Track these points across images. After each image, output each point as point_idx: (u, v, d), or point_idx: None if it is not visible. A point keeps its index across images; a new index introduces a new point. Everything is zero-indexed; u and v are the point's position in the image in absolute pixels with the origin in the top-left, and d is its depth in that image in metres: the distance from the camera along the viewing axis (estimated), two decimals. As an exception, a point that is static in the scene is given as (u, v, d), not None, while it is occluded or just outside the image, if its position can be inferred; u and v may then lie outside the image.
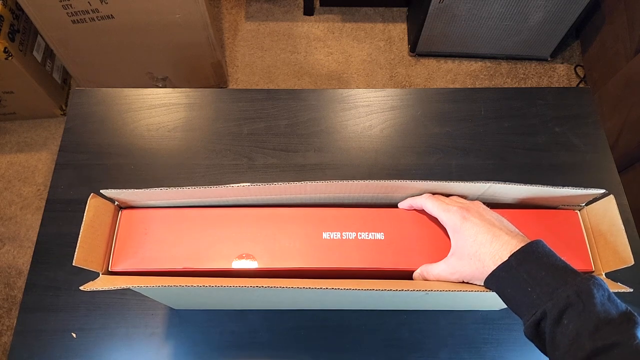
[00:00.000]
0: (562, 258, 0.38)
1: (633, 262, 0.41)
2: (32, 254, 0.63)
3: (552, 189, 0.44)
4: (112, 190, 0.42)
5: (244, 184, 0.43)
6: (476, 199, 0.47)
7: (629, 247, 0.42)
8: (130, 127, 0.74)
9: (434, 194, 0.46)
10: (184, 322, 0.60)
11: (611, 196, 0.44)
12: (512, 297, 0.38)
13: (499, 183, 0.43)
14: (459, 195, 0.47)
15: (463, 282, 0.42)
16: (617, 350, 0.32)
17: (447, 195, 0.47)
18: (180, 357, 0.58)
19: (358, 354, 0.59)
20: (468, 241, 0.41)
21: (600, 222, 0.45)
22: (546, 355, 0.36)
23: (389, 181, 0.43)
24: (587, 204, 0.47)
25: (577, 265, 0.45)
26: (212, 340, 0.59)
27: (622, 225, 0.42)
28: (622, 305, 0.35)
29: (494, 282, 0.39)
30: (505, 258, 0.38)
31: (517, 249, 0.38)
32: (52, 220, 0.66)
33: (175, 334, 0.59)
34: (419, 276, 0.44)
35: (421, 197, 0.46)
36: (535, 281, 0.36)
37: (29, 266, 0.63)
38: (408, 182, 0.44)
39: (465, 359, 0.59)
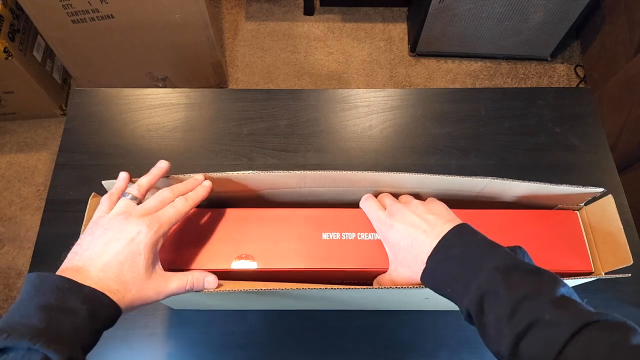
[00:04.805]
0: (485, 237, 0.37)
1: (632, 262, 0.41)
2: (31, 255, 0.63)
3: (551, 186, 0.44)
4: (112, 181, 0.42)
5: (246, 172, 0.42)
6: (475, 196, 0.46)
7: (628, 246, 0.42)
8: (130, 127, 0.74)
9: (431, 190, 0.46)
10: (184, 322, 0.60)
11: (610, 196, 0.44)
12: (446, 297, 0.38)
13: (497, 179, 0.43)
14: (457, 192, 0.46)
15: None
16: (534, 330, 0.31)
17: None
18: (180, 358, 0.58)
19: (358, 354, 0.59)
20: (394, 249, 0.41)
21: (600, 221, 0.45)
22: None
23: (387, 173, 0.43)
24: (586, 204, 0.47)
25: (577, 264, 0.45)
26: (212, 341, 0.59)
27: (621, 225, 0.42)
28: (532, 269, 0.34)
29: (427, 286, 0.39)
30: (425, 262, 0.38)
31: (432, 250, 0.38)
32: (51, 221, 0.66)
33: (175, 334, 0.59)
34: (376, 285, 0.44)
35: (363, 197, 0.46)
36: (453, 279, 0.36)
37: (28, 267, 0.63)
38: (407, 175, 0.43)
39: (465, 359, 0.59)
